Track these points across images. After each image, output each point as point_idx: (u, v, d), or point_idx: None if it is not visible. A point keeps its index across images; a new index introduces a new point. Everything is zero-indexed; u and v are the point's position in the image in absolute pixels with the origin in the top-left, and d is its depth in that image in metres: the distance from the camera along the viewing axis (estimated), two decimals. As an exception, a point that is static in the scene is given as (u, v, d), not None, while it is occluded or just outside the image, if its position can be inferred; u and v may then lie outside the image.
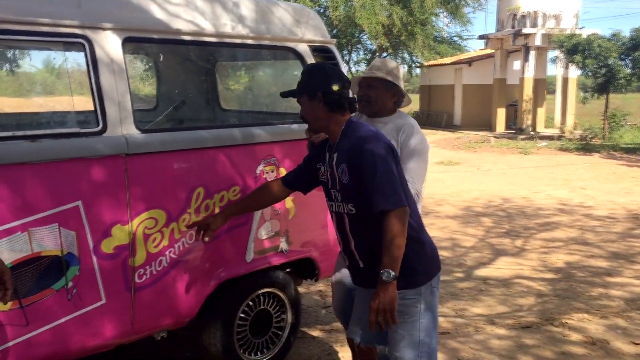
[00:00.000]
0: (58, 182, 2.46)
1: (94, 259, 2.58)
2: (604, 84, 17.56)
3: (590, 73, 17.83)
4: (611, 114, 18.42)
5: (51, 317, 2.48)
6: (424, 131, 3.17)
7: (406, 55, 25.52)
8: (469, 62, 23.69)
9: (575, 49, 17.66)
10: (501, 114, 21.72)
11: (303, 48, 3.46)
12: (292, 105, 4.14)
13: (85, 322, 2.59)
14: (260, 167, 3.21)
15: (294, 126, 3.38)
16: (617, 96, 19.65)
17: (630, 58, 17.28)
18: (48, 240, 2.43)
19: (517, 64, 21.99)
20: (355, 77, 3.03)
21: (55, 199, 2.45)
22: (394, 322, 2.21)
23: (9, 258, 2.32)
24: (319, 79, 2.41)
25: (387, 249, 2.21)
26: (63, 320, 2.51)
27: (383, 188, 2.23)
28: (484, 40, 23.22)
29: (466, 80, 23.52)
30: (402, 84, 3.00)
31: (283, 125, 3.36)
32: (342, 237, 2.51)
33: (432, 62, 24.76)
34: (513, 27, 20.78)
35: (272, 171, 3.26)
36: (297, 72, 3.53)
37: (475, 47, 27.53)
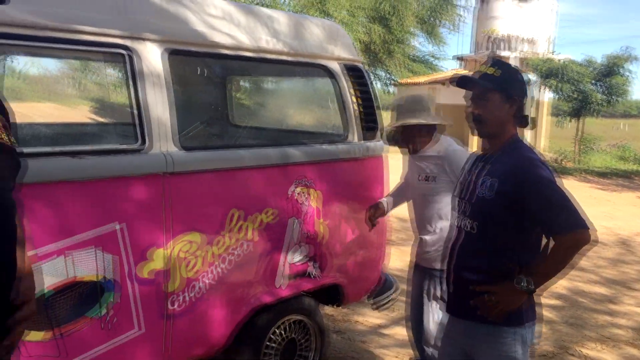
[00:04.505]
0: (96, 202, 2.29)
1: (130, 283, 2.41)
2: (578, 108, 17.96)
3: (564, 97, 18.23)
4: (583, 138, 18.85)
5: (86, 346, 2.29)
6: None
7: (382, 73, 25.68)
8: (444, 82, 23.94)
9: (550, 73, 18.04)
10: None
11: (334, 65, 3.35)
12: (325, 124, 4.04)
13: (118, 350, 2.40)
14: (292, 188, 3.07)
15: (326, 146, 3.26)
16: (594, 120, 20.08)
17: (603, 84, 17.74)
18: (85, 264, 2.25)
19: (491, 86, 22.34)
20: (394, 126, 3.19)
21: (93, 219, 2.27)
22: (494, 317, 2.11)
23: (45, 283, 2.13)
24: (520, 85, 2.21)
25: (544, 262, 2.09)
26: (97, 349, 2.32)
27: (562, 211, 2.05)
28: (458, 60, 23.62)
29: (441, 99, 23.73)
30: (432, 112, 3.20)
31: (315, 145, 3.24)
32: (450, 252, 2.33)
33: (409, 80, 24.95)
34: (488, 49, 21.19)
35: (304, 192, 3.13)
36: (327, 88, 3.43)
37: (449, 67, 27.94)
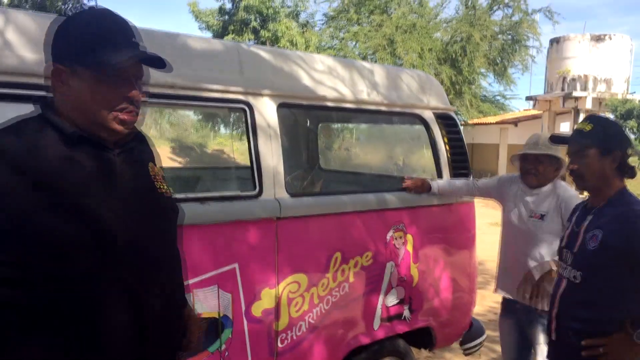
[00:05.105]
0: (218, 244, 2.49)
1: (245, 322, 2.58)
2: (659, 150, 17.31)
3: (644, 139, 17.63)
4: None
5: (206, 381, 2.46)
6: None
7: (451, 113, 25.55)
8: (515, 122, 23.66)
9: (630, 114, 17.53)
10: (548, 175, 21.45)
11: (428, 114, 3.50)
12: (418, 170, 4.18)
13: (232, 386, 2.56)
14: (390, 233, 3.20)
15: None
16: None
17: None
18: (208, 302, 2.44)
19: (565, 126, 21.85)
20: (516, 154, 3.17)
21: (215, 260, 2.47)
22: None
23: (175, 319, 2.33)
24: (618, 137, 2.23)
25: None
26: (215, 384, 2.50)
27: None
28: (529, 100, 23.25)
29: (511, 140, 23.43)
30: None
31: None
32: (552, 299, 2.37)
33: (477, 120, 24.80)
34: (562, 89, 20.79)
35: (400, 237, 3.24)
36: (420, 136, 3.56)
37: (519, 107, 27.76)
